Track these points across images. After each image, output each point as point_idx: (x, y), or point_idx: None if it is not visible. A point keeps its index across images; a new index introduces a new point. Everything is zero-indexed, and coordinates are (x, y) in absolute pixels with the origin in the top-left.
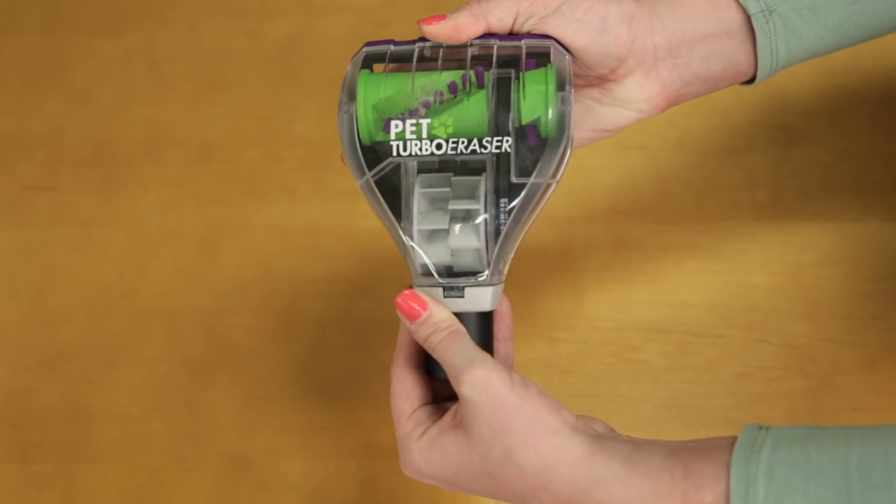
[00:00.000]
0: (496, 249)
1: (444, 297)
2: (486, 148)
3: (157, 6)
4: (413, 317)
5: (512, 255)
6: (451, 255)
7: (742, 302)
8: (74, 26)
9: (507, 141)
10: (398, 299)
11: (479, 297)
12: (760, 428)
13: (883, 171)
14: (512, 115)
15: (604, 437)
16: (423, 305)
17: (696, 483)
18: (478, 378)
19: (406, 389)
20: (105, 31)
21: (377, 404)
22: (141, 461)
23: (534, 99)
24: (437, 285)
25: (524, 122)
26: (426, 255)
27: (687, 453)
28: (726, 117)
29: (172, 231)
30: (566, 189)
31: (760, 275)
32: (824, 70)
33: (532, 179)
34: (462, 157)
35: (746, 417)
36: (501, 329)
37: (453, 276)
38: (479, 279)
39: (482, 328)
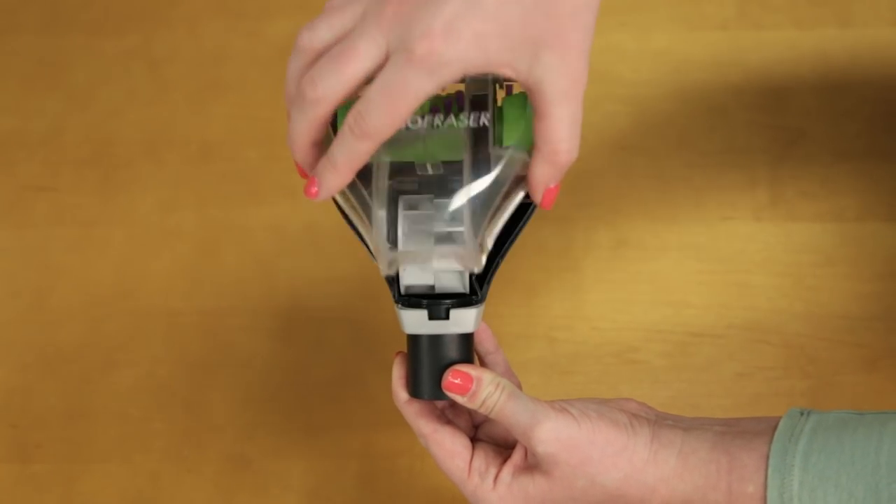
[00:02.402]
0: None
1: (429, 319)
2: (462, 122)
3: (157, 7)
4: (465, 391)
5: (493, 277)
6: (435, 278)
7: (742, 302)
8: (74, 27)
9: (486, 115)
10: (448, 383)
11: (464, 319)
12: (802, 413)
13: (883, 171)
14: (491, 134)
15: (656, 426)
16: (470, 378)
17: (738, 475)
18: (547, 432)
19: (448, 449)
20: (105, 32)
21: (377, 404)
22: (141, 461)
23: (512, 123)
24: (421, 307)
25: (504, 145)
26: (410, 277)
27: (732, 442)
28: (726, 117)
29: (172, 231)
30: (566, 189)
31: (760, 275)
32: (824, 69)
33: (514, 202)
34: (439, 134)
35: None
36: (487, 343)
37: (436, 298)
38: (464, 301)
39: (464, 348)
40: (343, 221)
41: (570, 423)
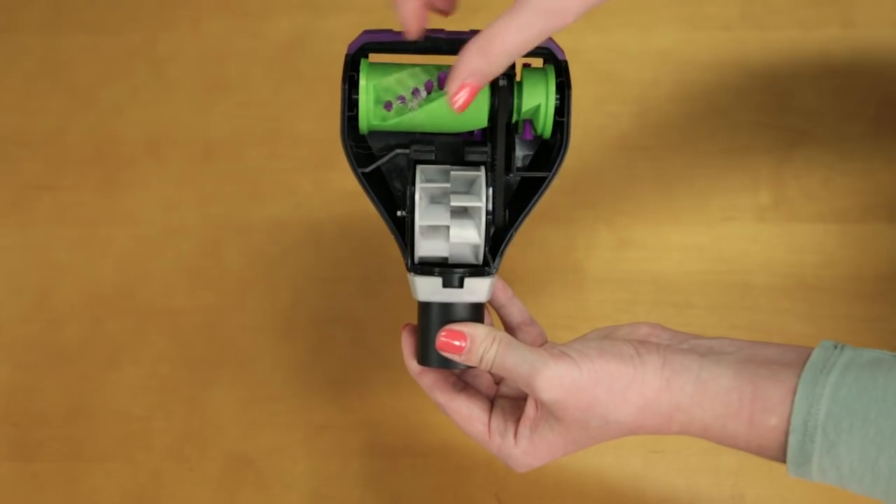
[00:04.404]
0: (492, 243)
1: (443, 287)
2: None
3: (160, 5)
4: (460, 350)
5: (507, 248)
6: (451, 249)
7: (744, 302)
8: (77, 25)
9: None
10: (442, 343)
11: (477, 288)
12: (836, 346)
13: (885, 172)
14: (511, 108)
15: (668, 352)
16: (463, 336)
17: (762, 406)
18: (548, 380)
19: (466, 414)
20: (108, 30)
21: (379, 403)
22: (143, 460)
23: (533, 95)
24: (434, 275)
25: (522, 116)
26: (426, 249)
27: (756, 371)
28: (729, 118)
29: (174, 230)
30: (568, 189)
31: (762, 275)
32: (827, 70)
33: (529, 174)
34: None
35: None
36: (499, 296)
37: (450, 267)
38: (477, 271)
39: (476, 318)
40: (345, 222)
41: (570, 367)
